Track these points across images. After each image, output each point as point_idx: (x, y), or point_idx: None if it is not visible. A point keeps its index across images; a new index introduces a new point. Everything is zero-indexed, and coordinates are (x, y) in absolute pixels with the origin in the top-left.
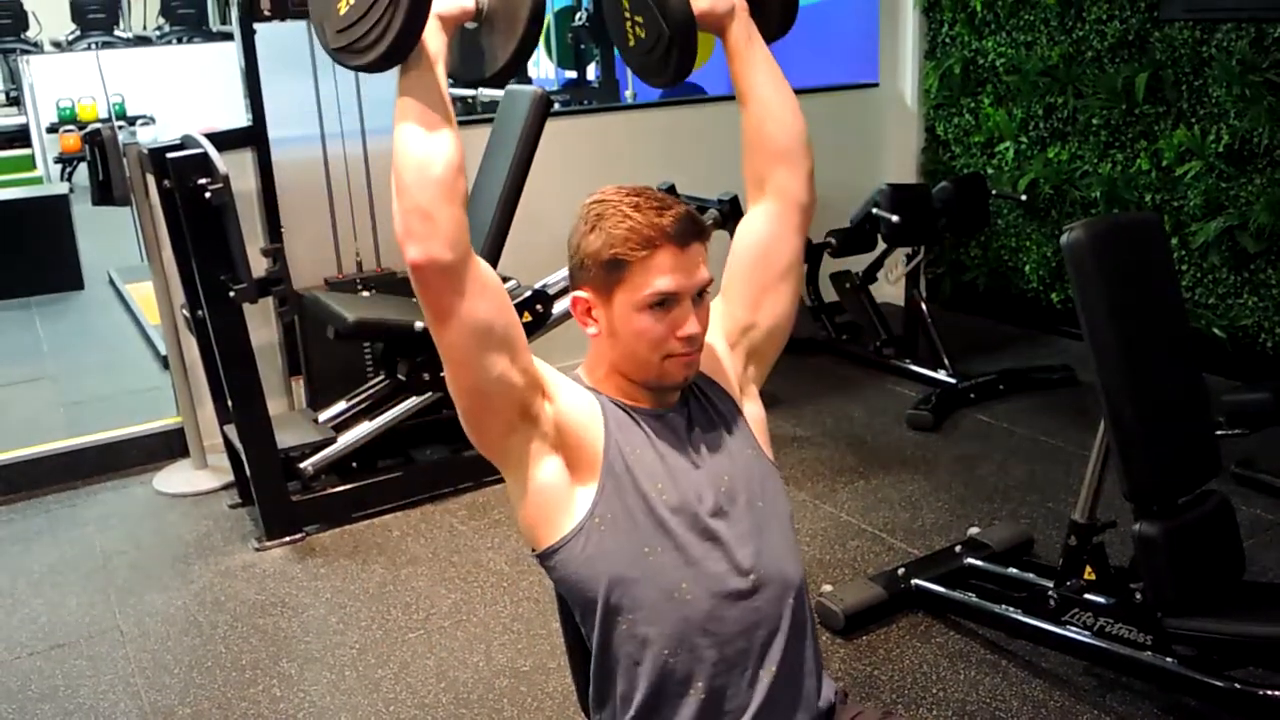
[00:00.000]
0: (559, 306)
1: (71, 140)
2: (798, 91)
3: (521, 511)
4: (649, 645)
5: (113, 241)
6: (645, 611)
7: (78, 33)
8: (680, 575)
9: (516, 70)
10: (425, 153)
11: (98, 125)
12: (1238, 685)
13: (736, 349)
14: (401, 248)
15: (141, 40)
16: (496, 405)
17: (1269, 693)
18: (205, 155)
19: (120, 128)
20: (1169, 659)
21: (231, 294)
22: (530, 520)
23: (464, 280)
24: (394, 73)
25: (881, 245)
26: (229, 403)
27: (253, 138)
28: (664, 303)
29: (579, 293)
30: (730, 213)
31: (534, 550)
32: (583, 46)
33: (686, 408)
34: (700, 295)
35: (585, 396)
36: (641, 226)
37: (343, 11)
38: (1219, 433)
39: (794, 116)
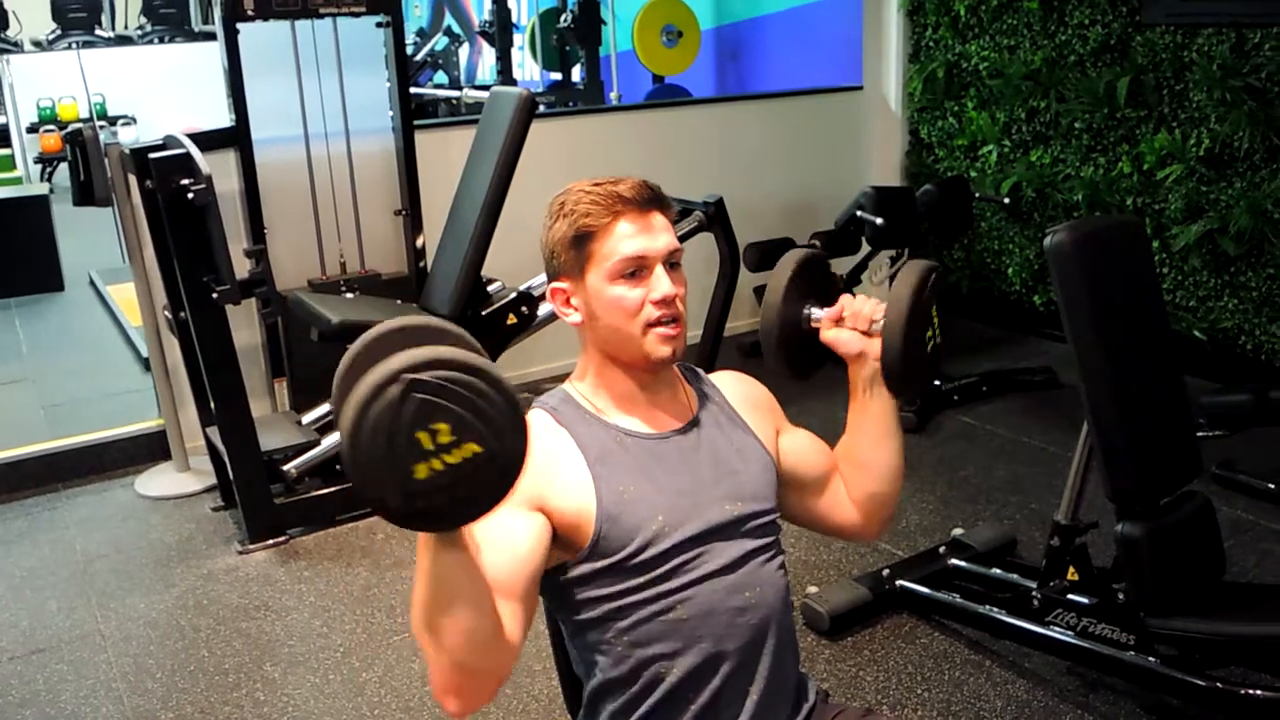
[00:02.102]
0: (544, 308)
1: (52, 140)
2: (782, 95)
3: None
4: (646, 665)
5: (94, 242)
6: (641, 633)
7: (58, 32)
8: (676, 598)
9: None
10: (470, 624)
11: (79, 125)
12: (1219, 684)
13: (778, 459)
14: (438, 697)
15: (123, 40)
16: None
17: (1250, 692)
18: (187, 156)
19: (101, 128)
20: (1151, 658)
21: (214, 295)
22: None
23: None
24: (386, 73)
25: (865, 248)
26: (211, 405)
27: (235, 138)
28: (635, 272)
29: (556, 284)
30: (715, 214)
31: None
32: (567, 48)
33: (698, 428)
34: (673, 265)
35: (571, 469)
36: (600, 197)
37: (422, 476)
38: (1200, 434)
39: (899, 481)
